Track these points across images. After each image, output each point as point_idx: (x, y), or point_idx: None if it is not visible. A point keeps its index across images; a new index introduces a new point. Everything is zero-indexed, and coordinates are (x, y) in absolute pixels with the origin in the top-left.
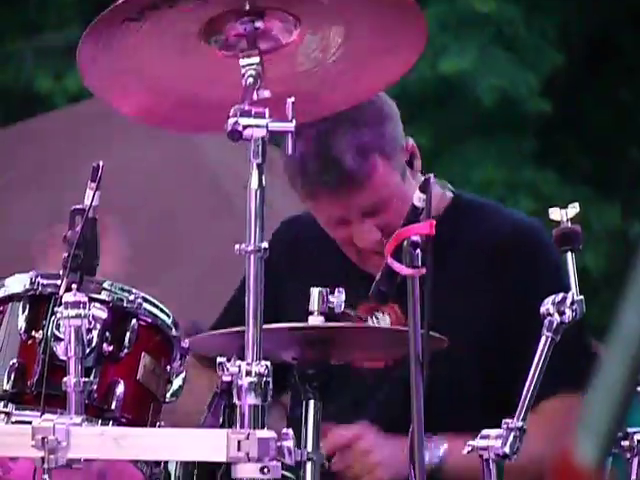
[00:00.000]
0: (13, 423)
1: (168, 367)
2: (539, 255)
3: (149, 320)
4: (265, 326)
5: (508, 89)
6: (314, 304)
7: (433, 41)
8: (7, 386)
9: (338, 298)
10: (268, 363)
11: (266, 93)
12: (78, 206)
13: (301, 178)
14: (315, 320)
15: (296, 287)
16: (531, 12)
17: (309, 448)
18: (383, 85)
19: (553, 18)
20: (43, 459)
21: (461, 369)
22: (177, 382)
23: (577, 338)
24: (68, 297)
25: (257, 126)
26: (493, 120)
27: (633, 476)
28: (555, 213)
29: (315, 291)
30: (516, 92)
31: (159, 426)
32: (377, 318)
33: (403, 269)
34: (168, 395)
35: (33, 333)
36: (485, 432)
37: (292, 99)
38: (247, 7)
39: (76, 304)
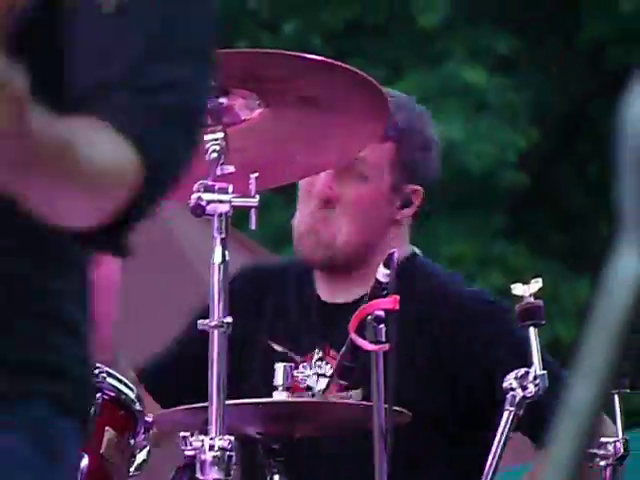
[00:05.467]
0: None
1: (132, 441)
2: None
3: (112, 394)
4: (229, 402)
5: (497, 155)
6: (279, 379)
7: None
8: None
9: (303, 373)
10: (232, 438)
11: (230, 168)
12: None
13: None
14: (280, 396)
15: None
16: (506, 89)
17: None
18: (347, 158)
19: (527, 94)
20: None
21: (423, 440)
22: (141, 456)
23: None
24: None
25: (220, 201)
26: (477, 192)
27: None
28: (518, 288)
29: (280, 366)
30: (503, 160)
31: None
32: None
33: (366, 345)
34: (132, 469)
35: None
36: None
37: (255, 174)
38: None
39: None
